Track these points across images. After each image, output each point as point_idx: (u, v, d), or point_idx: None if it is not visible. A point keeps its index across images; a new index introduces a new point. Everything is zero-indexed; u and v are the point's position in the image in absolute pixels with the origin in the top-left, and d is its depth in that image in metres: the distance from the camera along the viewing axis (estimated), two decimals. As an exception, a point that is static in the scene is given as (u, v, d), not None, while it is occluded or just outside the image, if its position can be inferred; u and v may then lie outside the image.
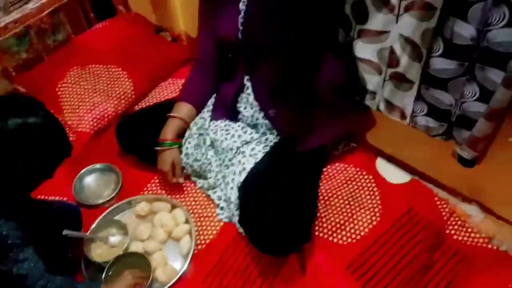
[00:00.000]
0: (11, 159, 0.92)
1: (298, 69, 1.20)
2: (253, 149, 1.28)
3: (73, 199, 1.38)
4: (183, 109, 1.37)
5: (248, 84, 1.29)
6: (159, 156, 1.34)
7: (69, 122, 1.56)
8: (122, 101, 1.60)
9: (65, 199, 1.38)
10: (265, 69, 1.23)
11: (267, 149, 1.29)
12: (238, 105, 1.33)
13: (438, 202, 1.29)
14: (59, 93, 1.60)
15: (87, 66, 1.66)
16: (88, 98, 1.58)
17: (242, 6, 1.22)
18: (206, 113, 1.40)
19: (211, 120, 1.38)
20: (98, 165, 1.46)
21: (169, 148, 1.33)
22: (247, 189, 1.22)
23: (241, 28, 1.22)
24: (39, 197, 1.33)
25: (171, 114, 1.36)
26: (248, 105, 1.31)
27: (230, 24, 1.23)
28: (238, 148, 1.29)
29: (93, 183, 1.45)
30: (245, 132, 1.32)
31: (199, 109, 1.40)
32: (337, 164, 1.40)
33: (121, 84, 1.63)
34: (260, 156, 1.26)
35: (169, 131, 1.34)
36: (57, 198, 1.37)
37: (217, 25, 1.27)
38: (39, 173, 1.00)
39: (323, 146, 1.36)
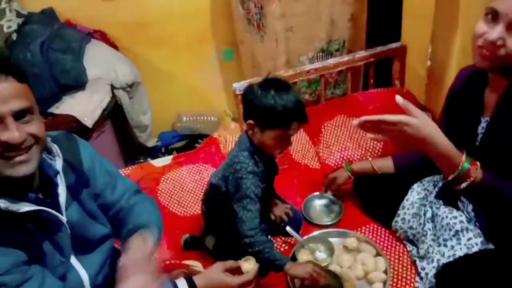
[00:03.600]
0: None
1: None
2: (470, 239, 1.24)
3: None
4: (383, 164, 1.55)
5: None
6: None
7: (320, 154, 1.87)
8: (369, 153, 1.82)
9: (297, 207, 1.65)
10: None
11: (486, 244, 1.22)
12: (459, 204, 1.33)
13: None
14: (322, 129, 1.94)
15: (352, 117, 1.96)
16: (342, 141, 1.87)
17: (483, 121, 1.23)
18: (432, 186, 1.44)
19: (435, 196, 1.42)
20: (328, 195, 1.70)
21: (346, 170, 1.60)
22: (449, 276, 1.21)
23: (480, 137, 1.23)
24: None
25: (373, 160, 1.59)
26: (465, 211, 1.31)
27: (470, 131, 1.25)
28: (456, 231, 1.28)
29: (319, 207, 1.69)
30: (469, 221, 1.30)
31: (396, 171, 1.52)
32: None
33: (373, 141, 1.84)
34: (474, 250, 1.21)
35: (356, 165, 1.60)
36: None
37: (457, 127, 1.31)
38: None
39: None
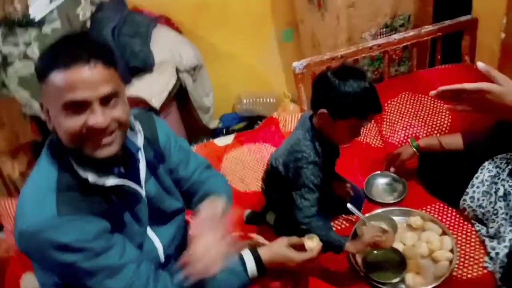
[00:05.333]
0: None
1: None
2: None
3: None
4: (452, 140, 1.50)
5: None
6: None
7: (383, 132, 1.84)
8: (435, 131, 1.76)
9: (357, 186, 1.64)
10: None
11: None
12: None
13: None
14: (386, 107, 1.89)
15: (417, 94, 1.89)
16: (407, 118, 1.82)
17: None
18: (505, 164, 1.37)
19: (508, 174, 1.35)
20: (391, 173, 1.66)
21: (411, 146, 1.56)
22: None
23: None
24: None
25: (441, 136, 1.56)
26: None
27: None
28: None
29: (381, 185, 1.66)
30: None
31: (465, 148, 1.48)
32: None
33: (440, 118, 1.78)
34: None
35: (422, 141, 1.56)
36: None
37: None
38: None
39: None
